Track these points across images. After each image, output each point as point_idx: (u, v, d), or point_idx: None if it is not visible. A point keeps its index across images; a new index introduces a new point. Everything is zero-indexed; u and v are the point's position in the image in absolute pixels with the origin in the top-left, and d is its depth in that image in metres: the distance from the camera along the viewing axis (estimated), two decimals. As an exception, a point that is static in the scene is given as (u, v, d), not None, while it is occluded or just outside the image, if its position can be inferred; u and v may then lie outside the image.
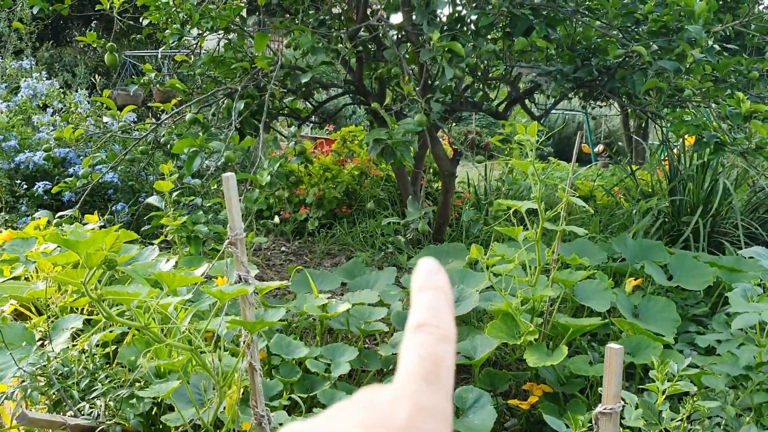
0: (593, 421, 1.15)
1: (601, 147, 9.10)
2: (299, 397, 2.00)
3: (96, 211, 3.62)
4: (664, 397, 1.67)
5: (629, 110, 6.30)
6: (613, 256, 3.25)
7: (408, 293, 2.83)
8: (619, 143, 8.86)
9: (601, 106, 4.80)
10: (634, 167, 4.99)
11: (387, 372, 2.38)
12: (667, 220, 3.90)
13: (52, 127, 4.32)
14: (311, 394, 2.05)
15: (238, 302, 1.70)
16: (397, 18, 4.18)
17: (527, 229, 2.29)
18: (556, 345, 2.33)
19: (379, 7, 4.33)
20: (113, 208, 4.00)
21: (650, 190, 4.29)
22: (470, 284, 2.70)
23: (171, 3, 3.29)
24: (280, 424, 1.77)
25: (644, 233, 3.73)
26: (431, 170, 5.05)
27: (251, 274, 1.58)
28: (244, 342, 1.62)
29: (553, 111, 5.93)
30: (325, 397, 2.01)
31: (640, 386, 2.20)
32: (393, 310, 2.57)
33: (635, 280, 2.90)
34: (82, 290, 2.32)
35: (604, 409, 1.13)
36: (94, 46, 3.63)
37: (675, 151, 4.54)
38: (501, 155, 6.13)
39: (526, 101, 4.39)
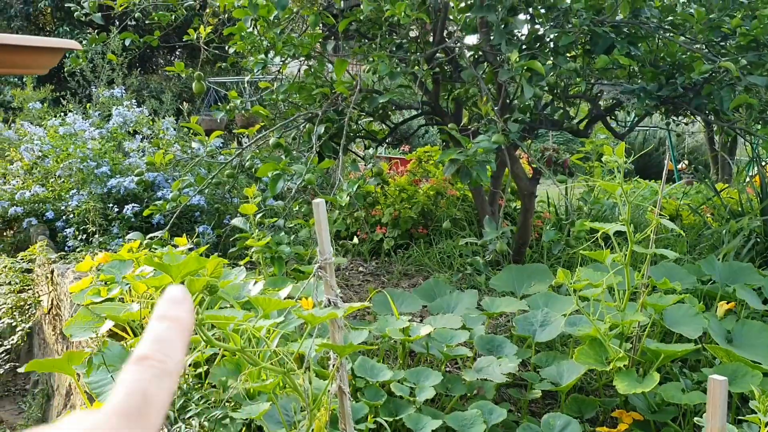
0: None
1: (684, 163, 8.81)
2: (385, 420, 2.00)
3: (184, 233, 3.76)
4: (767, 429, 1.60)
5: (715, 126, 6.09)
6: (702, 279, 3.13)
7: (491, 317, 2.80)
8: (704, 159, 8.56)
9: (685, 124, 4.66)
10: (720, 185, 4.81)
11: (470, 397, 2.36)
12: (759, 240, 3.73)
13: (141, 153, 4.52)
14: (396, 418, 2.06)
15: (325, 324, 1.73)
16: (473, 39, 4.18)
17: (613, 251, 2.24)
18: (646, 371, 2.26)
19: (455, 28, 4.35)
20: (199, 230, 4.14)
21: (740, 209, 4.12)
22: (555, 308, 2.66)
23: (255, 33, 3.40)
24: (368, 448, 1.78)
25: (735, 255, 3.58)
26: (509, 189, 5.01)
27: (340, 298, 1.60)
28: (332, 365, 1.64)
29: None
30: (411, 422, 2.01)
31: (738, 417, 2.11)
32: (476, 334, 2.55)
33: (727, 303, 2.79)
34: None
35: (710, 443, 1.09)
36: (182, 75, 3.79)
37: (766, 167, 4.35)
38: (580, 172, 6.02)
39: (608, 118, 4.30)
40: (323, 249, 1.60)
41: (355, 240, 3.58)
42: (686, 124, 4.74)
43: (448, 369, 2.70)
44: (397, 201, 4.92)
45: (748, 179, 4.86)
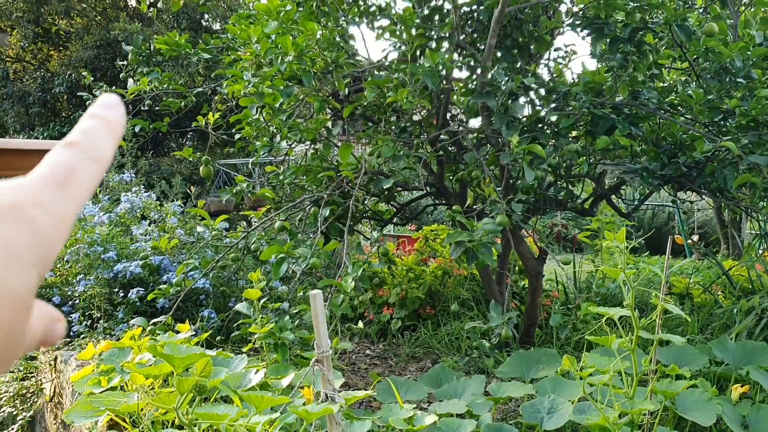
0: None
1: (694, 238, 8.77)
2: None
3: (187, 319, 3.74)
4: None
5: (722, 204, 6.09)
6: (715, 360, 3.06)
7: (498, 402, 2.73)
8: (714, 234, 8.51)
9: (691, 202, 4.66)
10: (730, 262, 4.76)
11: (478, 489, 2.27)
12: (772, 319, 3.66)
13: (148, 237, 4.55)
14: None
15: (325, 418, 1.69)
16: (476, 122, 4.25)
17: (620, 335, 2.20)
18: (660, 462, 2.18)
19: (458, 111, 4.44)
20: (203, 314, 4.11)
21: (750, 286, 4.06)
22: (563, 394, 2.59)
23: (261, 119, 3.48)
24: None
25: (747, 334, 3.50)
26: (517, 268, 4.98)
27: (337, 392, 1.57)
28: (331, 463, 1.59)
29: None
30: None
31: None
32: (483, 422, 2.48)
33: (741, 387, 2.71)
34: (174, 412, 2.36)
35: None
36: (191, 159, 3.85)
37: (775, 244, 4.32)
38: (589, 249, 5.98)
39: (613, 197, 4.31)
40: (320, 342, 1.58)
41: (360, 325, 3.55)
42: (692, 202, 4.74)
43: (454, 459, 2.61)
44: (404, 281, 4.89)
45: (757, 255, 4.81)
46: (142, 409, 2.36)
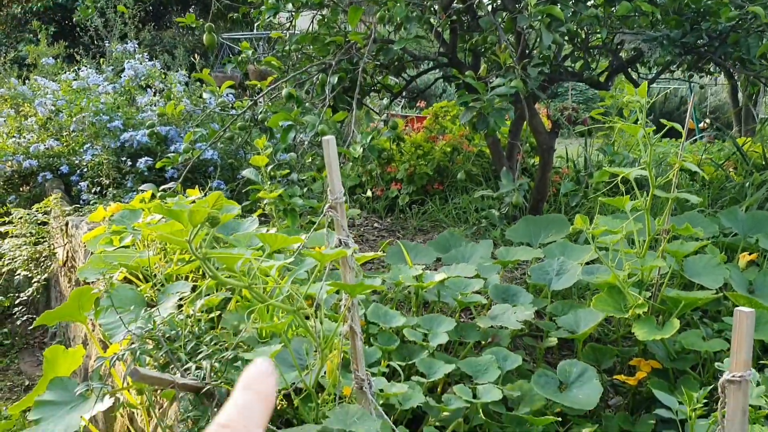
0: (720, 390, 1.06)
1: (706, 122, 8.63)
2: (398, 364, 1.98)
3: (197, 187, 3.73)
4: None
5: (738, 81, 5.93)
6: (724, 231, 3.06)
7: (505, 266, 2.76)
8: (726, 118, 8.37)
9: (710, 74, 4.52)
10: (742, 140, 4.69)
11: (484, 345, 2.32)
12: (783, 193, 3.64)
13: (153, 107, 4.48)
14: (410, 363, 2.03)
15: (337, 273, 1.69)
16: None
17: (633, 198, 2.18)
18: (665, 320, 2.21)
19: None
20: (212, 185, 4.11)
21: (763, 162, 4.01)
22: (572, 257, 2.61)
23: (267, -22, 3.32)
24: (381, 390, 1.76)
25: (758, 207, 3.49)
26: (528, 145, 4.92)
27: (351, 239, 1.56)
28: (343, 306, 1.61)
29: (654, 85, 5.64)
30: (424, 366, 1.98)
31: (760, 362, 2.06)
32: (490, 283, 2.51)
33: (749, 254, 2.72)
34: (186, 256, 2.38)
35: (733, 376, 1.04)
36: (193, 26, 3.72)
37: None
38: (599, 131, 5.89)
39: (629, 70, 4.18)
40: (333, 188, 1.55)
41: (369, 193, 3.53)
42: (710, 75, 4.60)
43: (462, 319, 2.67)
44: (412, 158, 4.85)
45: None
46: (155, 265, 2.38)
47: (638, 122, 1.96)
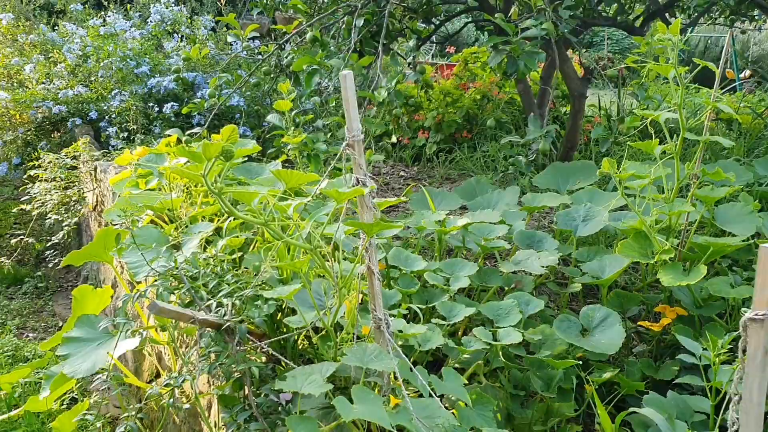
0: (741, 329, 1.03)
1: (747, 72, 8.34)
2: (418, 307, 1.98)
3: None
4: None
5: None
6: (759, 180, 2.97)
7: (531, 212, 2.72)
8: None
9: (754, 20, 4.34)
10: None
11: (507, 291, 2.31)
12: (824, 143, 3.51)
13: (180, 52, 4.46)
14: (430, 306, 2.03)
15: (357, 217, 1.68)
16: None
17: (663, 143, 2.12)
18: (692, 267, 2.16)
19: None
20: (239, 131, 4.11)
21: (806, 111, 3.87)
22: (599, 204, 2.55)
23: None
24: (399, 331, 1.76)
25: (797, 157, 3.38)
26: (559, 91, 4.81)
27: (368, 177, 1.54)
28: (361, 246, 1.60)
29: (694, 34, 5.44)
30: (444, 309, 1.98)
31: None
32: (515, 229, 2.48)
33: (785, 204, 2.64)
34: (210, 198, 2.39)
35: (755, 315, 1.01)
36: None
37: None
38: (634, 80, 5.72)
39: (666, 15, 4.03)
40: (351, 125, 1.53)
41: (393, 139, 3.49)
42: (743, 32, 4.42)
43: (485, 265, 2.65)
44: (441, 105, 4.77)
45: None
46: (179, 207, 2.40)
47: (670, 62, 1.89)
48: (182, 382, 1.68)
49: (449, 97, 4.83)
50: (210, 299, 1.80)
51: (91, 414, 2.29)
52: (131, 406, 1.84)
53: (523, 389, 1.97)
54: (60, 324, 4.01)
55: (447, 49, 5.92)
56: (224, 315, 1.72)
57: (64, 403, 2.75)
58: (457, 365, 1.94)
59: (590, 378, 1.94)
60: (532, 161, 3.27)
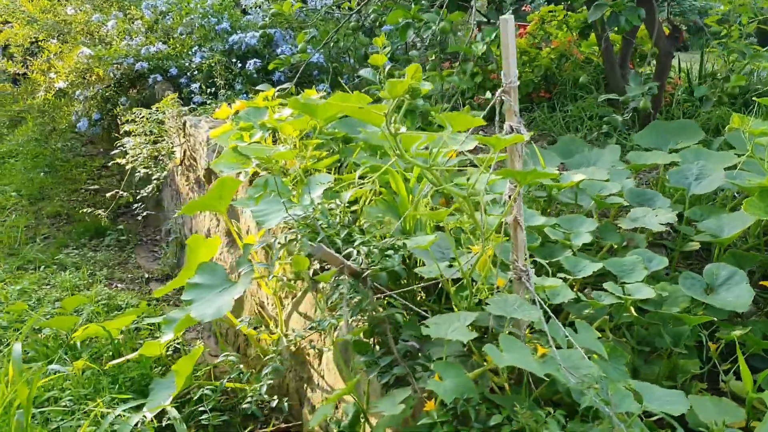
0: None
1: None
2: (543, 262, 1.97)
3: (304, 90, 3.73)
4: None
5: None
6: None
7: (638, 170, 2.67)
8: None
9: None
10: None
11: (620, 248, 2.28)
12: None
13: (258, 9, 4.46)
14: (552, 261, 2.02)
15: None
16: None
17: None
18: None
19: None
20: (318, 87, 4.10)
21: None
22: (710, 162, 2.50)
23: None
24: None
25: None
26: (638, 53, 4.69)
27: (522, 125, 1.53)
28: (508, 196, 1.60)
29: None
30: (569, 264, 1.97)
31: None
32: (626, 187, 2.44)
33: None
34: (319, 152, 2.40)
35: None
36: None
37: None
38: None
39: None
40: (508, 71, 1.51)
41: (488, 95, 3.45)
42: None
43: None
44: (517, 64, 4.69)
45: None
46: (290, 159, 2.42)
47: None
48: (327, 326, 1.71)
49: (525, 56, 4.74)
50: (343, 248, 1.83)
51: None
52: (274, 349, 1.88)
53: (647, 345, 1.96)
54: (146, 276, 4.11)
55: (524, 7, 5.81)
56: (360, 264, 1.75)
57: (169, 350, 2.83)
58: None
59: (718, 335, 1.93)
60: (627, 120, 3.21)
